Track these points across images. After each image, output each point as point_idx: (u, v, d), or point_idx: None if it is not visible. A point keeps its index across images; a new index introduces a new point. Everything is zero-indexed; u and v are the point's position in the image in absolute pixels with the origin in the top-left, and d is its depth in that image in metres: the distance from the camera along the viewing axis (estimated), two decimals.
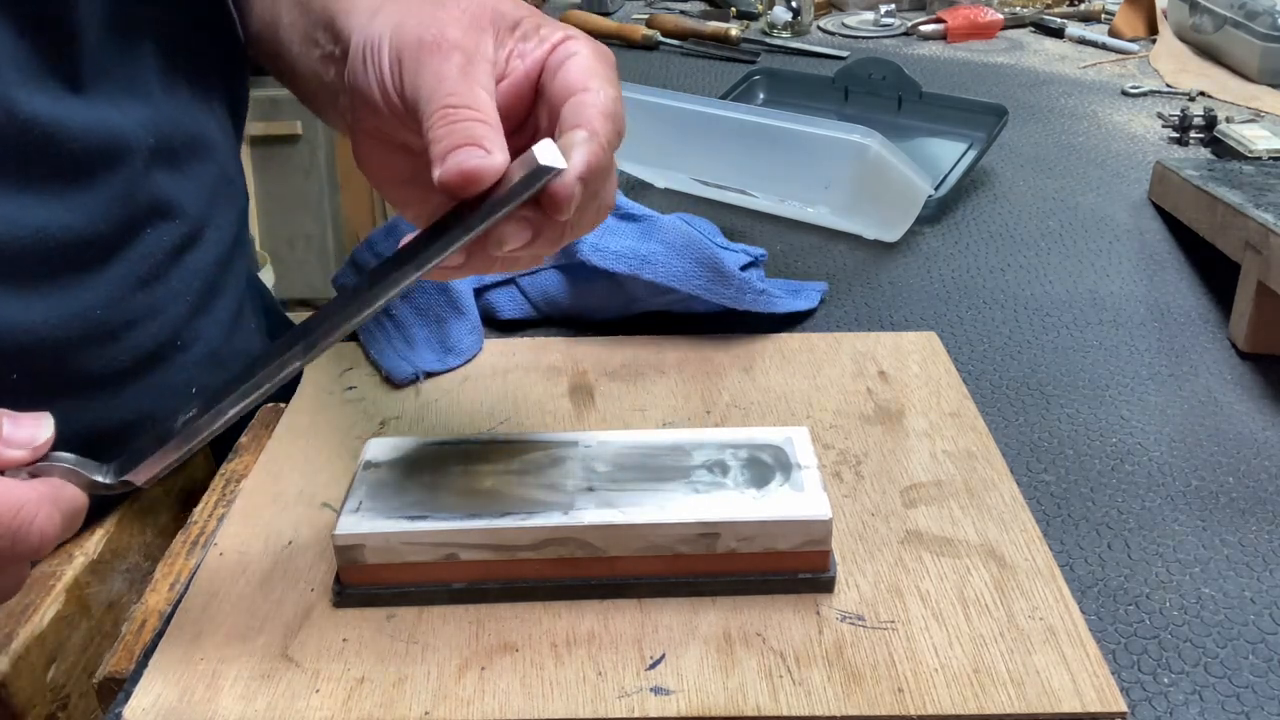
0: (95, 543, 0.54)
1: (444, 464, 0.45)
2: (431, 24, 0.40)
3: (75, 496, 0.36)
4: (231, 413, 0.36)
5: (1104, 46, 1.30)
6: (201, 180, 0.59)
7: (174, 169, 0.56)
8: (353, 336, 0.64)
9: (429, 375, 0.60)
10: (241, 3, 0.60)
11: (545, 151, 0.36)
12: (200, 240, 0.59)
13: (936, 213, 0.81)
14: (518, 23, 0.42)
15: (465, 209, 0.37)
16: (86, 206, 0.50)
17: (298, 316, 0.63)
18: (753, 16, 1.43)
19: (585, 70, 0.40)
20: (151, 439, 0.36)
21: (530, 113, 0.43)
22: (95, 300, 0.52)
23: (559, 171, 0.36)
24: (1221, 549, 0.48)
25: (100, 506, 0.55)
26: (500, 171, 0.37)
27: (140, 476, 0.34)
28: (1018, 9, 1.42)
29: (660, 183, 0.88)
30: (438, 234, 0.37)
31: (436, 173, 0.37)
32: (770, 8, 1.35)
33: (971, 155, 0.90)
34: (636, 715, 0.38)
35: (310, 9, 0.51)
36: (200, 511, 0.51)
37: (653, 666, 0.40)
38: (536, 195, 0.36)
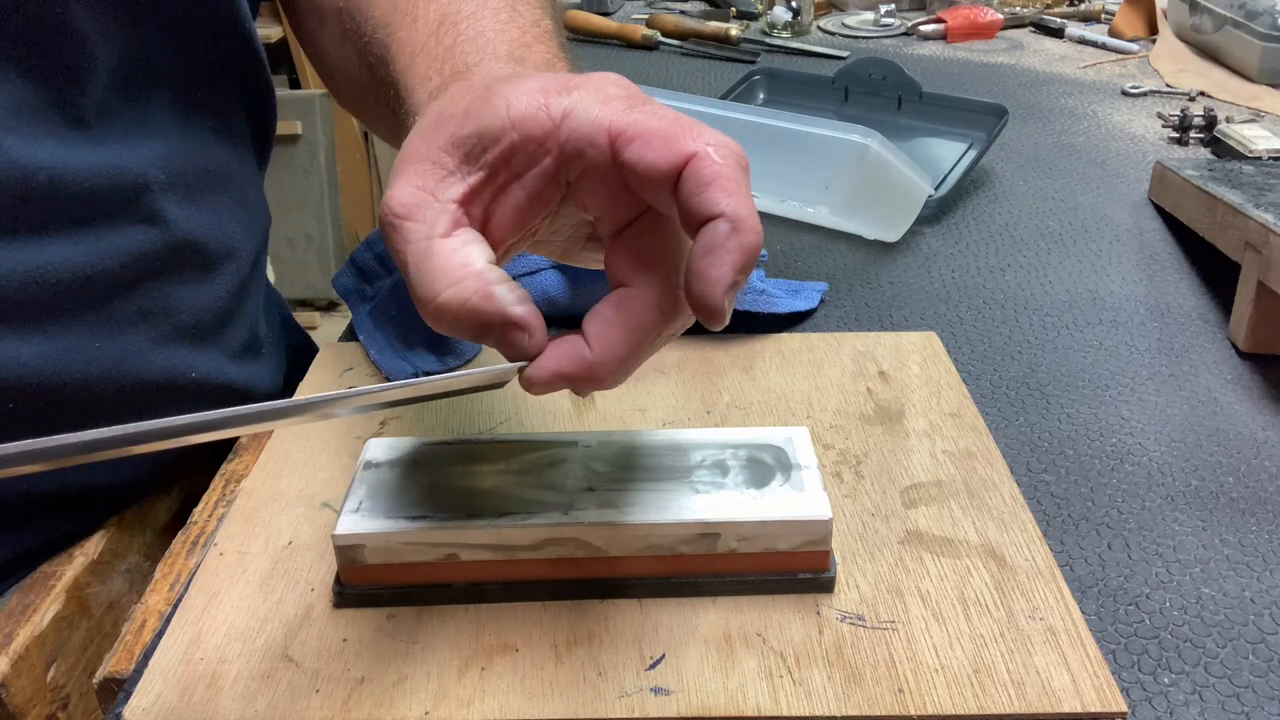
0: (95, 543, 0.54)
1: (444, 464, 0.45)
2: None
3: None
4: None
5: (1104, 46, 1.30)
6: (217, 212, 0.58)
7: (188, 203, 0.55)
8: (352, 336, 0.64)
9: (428, 375, 0.60)
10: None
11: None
12: (214, 272, 0.58)
13: (936, 213, 0.82)
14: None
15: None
16: (91, 244, 0.49)
17: (297, 317, 0.63)
18: (753, 16, 1.43)
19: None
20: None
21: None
22: (95, 335, 0.50)
23: (519, 367, 0.37)
24: (1221, 549, 0.48)
25: (100, 507, 0.55)
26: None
27: None
28: (1018, 9, 1.42)
29: None
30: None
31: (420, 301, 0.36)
32: (770, 8, 1.35)
33: (971, 155, 0.90)
34: (636, 715, 0.38)
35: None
36: (200, 511, 0.51)
37: (653, 666, 0.40)
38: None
